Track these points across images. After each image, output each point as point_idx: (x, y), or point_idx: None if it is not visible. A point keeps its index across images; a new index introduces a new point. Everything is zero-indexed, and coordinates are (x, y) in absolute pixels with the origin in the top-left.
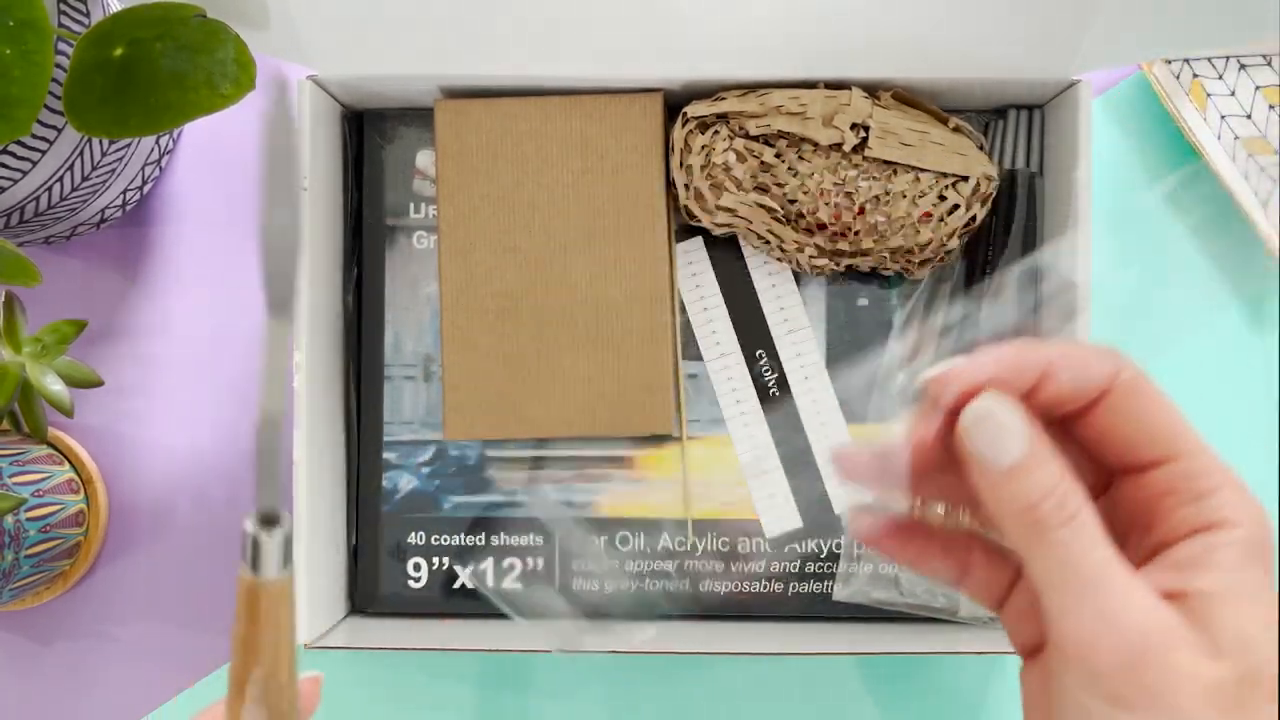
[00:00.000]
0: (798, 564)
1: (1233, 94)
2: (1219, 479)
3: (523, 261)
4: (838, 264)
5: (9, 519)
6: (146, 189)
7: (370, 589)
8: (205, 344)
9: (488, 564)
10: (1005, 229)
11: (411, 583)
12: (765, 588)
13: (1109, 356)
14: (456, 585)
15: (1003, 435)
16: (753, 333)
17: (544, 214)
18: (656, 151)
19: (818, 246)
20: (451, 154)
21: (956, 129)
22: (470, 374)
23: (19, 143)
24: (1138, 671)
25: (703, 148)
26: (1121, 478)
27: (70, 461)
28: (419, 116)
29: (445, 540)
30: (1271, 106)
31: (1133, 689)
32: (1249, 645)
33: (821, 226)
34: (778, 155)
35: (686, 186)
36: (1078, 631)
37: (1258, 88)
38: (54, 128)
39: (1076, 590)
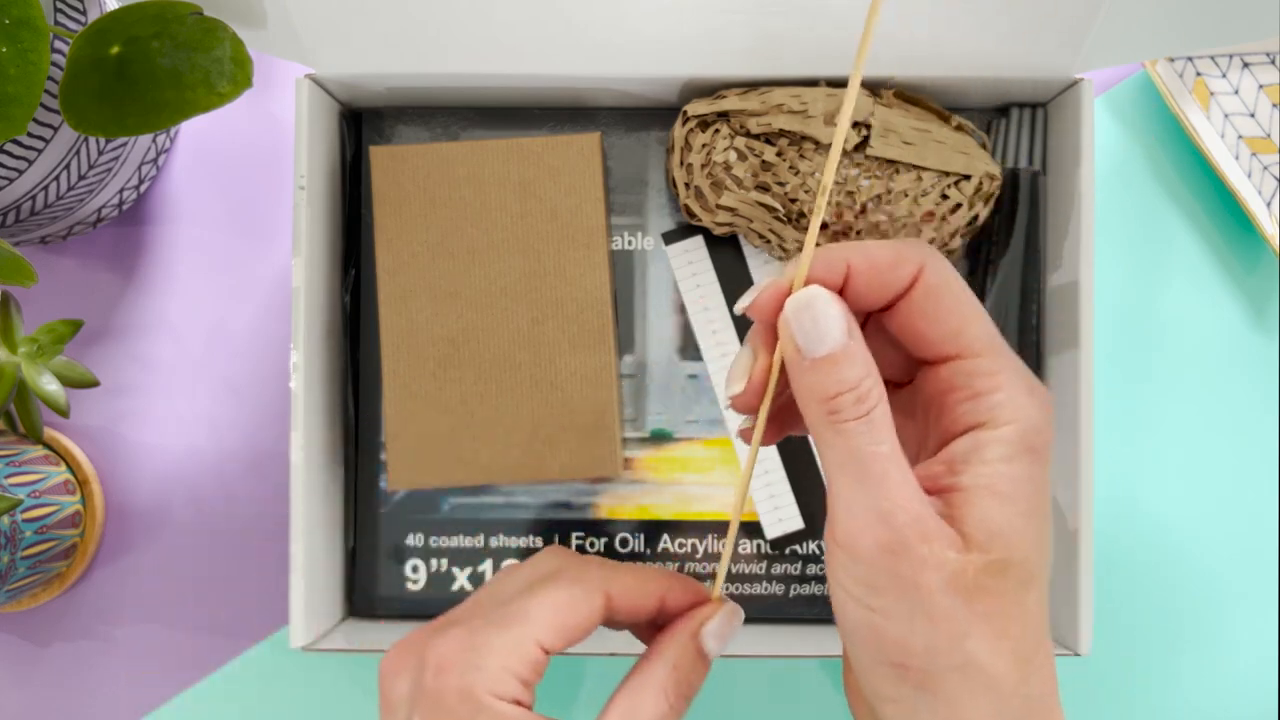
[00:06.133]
0: (799, 566)
1: (1236, 93)
2: (999, 380)
3: (463, 307)
4: None
5: (5, 520)
6: (143, 188)
7: (368, 591)
8: (202, 344)
9: (486, 566)
10: (1008, 228)
11: (410, 585)
12: (766, 590)
13: (912, 257)
14: (455, 587)
15: (820, 325)
16: None
17: (483, 258)
18: (595, 193)
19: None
20: (388, 200)
21: (959, 127)
22: (413, 422)
23: (15, 141)
24: (890, 560)
25: (703, 146)
26: (922, 369)
27: (66, 462)
28: (417, 116)
29: (444, 542)
30: (1275, 105)
31: (884, 576)
32: (996, 536)
33: (823, 225)
34: (779, 154)
35: (687, 185)
36: (846, 520)
37: (1261, 86)
38: (50, 126)
39: (852, 482)
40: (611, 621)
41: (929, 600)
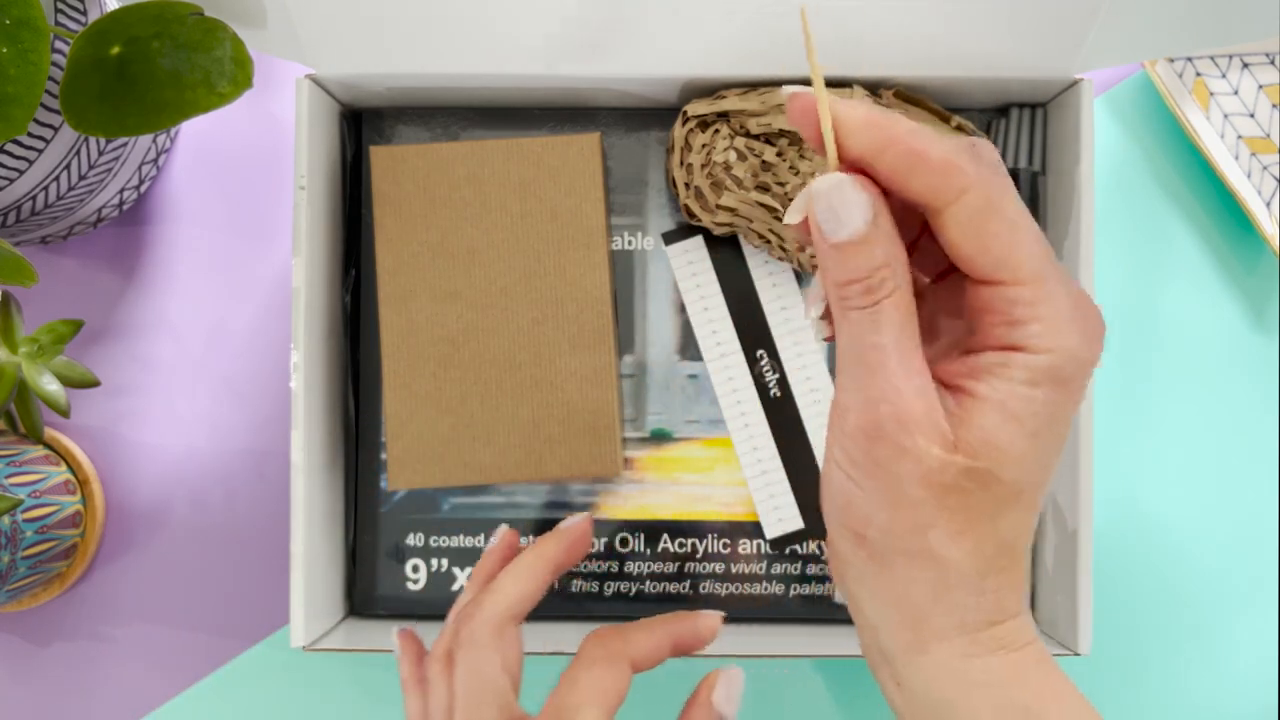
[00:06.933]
0: (799, 566)
1: (1235, 93)
2: (1039, 311)
3: (463, 307)
4: None
5: (6, 520)
6: (144, 188)
7: (368, 591)
8: (202, 344)
9: None
10: None
11: (410, 584)
12: (765, 589)
13: (965, 170)
14: (455, 587)
15: (840, 212)
16: (754, 332)
17: (483, 258)
18: (595, 193)
19: None
20: (388, 200)
21: (959, 127)
22: (413, 422)
23: (15, 142)
24: (869, 444)
25: (703, 146)
26: (964, 278)
27: (67, 462)
28: (417, 116)
29: (444, 542)
30: (1275, 105)
31: (863, 455)
32: (990, 448)
33: None
34: (779, 154)
35: (687, 185)
36: (842, 396)
37: (1261, 86)
38: (51, 126)
39: (849, 365)
40: (638, 670)
41: (899, 487)
